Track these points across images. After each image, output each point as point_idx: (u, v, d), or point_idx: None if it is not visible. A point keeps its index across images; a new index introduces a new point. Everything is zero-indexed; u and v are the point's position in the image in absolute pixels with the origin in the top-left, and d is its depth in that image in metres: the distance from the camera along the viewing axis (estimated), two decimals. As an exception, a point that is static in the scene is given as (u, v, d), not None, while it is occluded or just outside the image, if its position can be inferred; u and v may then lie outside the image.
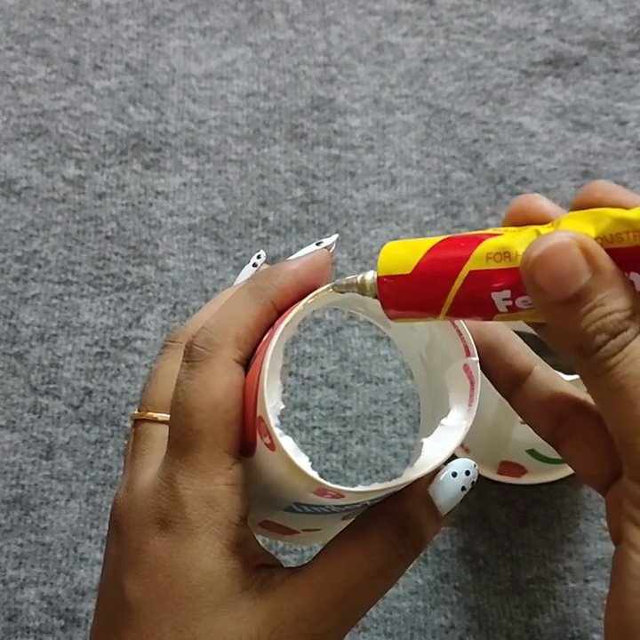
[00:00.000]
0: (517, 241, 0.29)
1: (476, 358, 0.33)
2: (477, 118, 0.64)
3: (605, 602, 0.53)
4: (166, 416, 0.34)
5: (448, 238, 0.31)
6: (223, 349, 0.33)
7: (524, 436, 0.50)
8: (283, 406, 0.32)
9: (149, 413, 0.36)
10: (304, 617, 0.32)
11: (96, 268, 0.60)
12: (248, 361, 0.34)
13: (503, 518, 0.54)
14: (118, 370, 0.57)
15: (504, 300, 0.29)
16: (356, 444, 0.55)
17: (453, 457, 0.33)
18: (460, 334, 0.34)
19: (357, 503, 0.33)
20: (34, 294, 0.59)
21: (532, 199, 0.31)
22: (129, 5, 0.69)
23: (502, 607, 0.52)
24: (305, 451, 0.56)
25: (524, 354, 0.35)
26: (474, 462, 0.34)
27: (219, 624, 0.32)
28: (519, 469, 0.54)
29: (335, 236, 0.36)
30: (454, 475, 0.34)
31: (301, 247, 0.37)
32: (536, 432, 0.35)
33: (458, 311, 0.30)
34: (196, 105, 0.65)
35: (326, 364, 0.57)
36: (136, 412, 0.37)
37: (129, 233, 0.61)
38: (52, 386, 0.57)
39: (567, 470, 0.54)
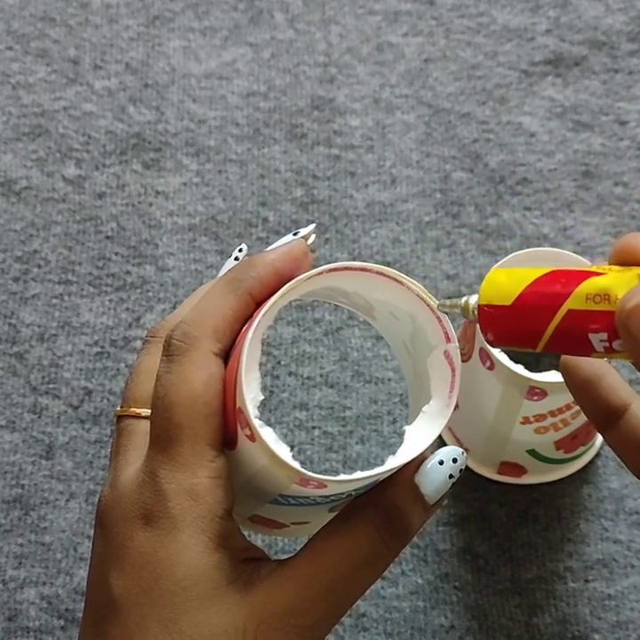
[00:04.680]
0: (618, 283, 0.29)
1: (456, 344, 0.34)
2: (477, 118, 0.64)
3: (606, 602, 0.53)
4: (149, 411, 0.34)
5: (551, 272, 0.31)
6: (201, 342, 0.33)
7: (523, 435, 0.50)
8: (262, 397, 0.32)
9: (132, 409, 0.36)
10: (291, 609, 0.32)
11: (96, 267, 0.60)
12: (228, 353, 0.34)
13: (503, 518, 0.54)
14: (118, 370, 0.57)
15: (601, 341, 0.30)
16: (356, 443, 0.55)
17: (443, 445, 0.33)
18: (440, 321, 0.34)
19: (342, 493, 0.33)
20: (34, 294, 0.59)
21: (638, 238, 0.31)
22: (129, 5, 0.69)
23: (502, 607, 0.52)
24: (304, 451, 0.57)
25: (621, 390, 0.36)
26: (462, 450, 0.34)
27: (204, 617, 0.32)
28: (519, 469, 0.54)
29: (312, 226, 0.36)
30: (441, 463, 0.34)
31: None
32: (628, 468, 0.35)
33: (555, 346, 0.31)
34: (196, 105, 0.65)
35: (326, 364, 0.57)
36: (119, 408, 0.37)
37: (129, 233, 0.61)
38: (52, 386, 0.57)
39: (567, 470, 0.54)
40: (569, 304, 0.30)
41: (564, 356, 0.36)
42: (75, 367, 0.57)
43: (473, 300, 0.32)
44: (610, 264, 0.31)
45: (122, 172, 0.63)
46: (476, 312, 0.32)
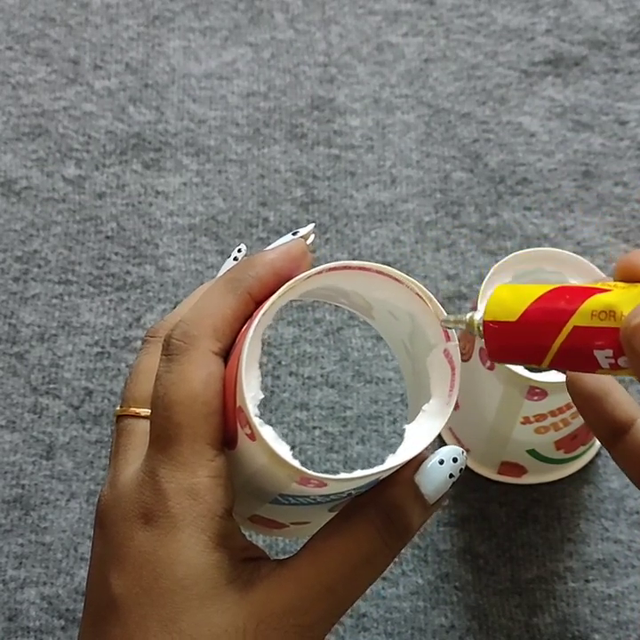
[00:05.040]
0: (623, 300, 0.29)
1: (456, 342, 0.34)
2: (477, 118, 0.64)
3: (606, 602, 0.53)
4: (149, 411, 0.34)
5: (556, 288, 0.31)
6: (201, 341, 0.33)
7: (524, 435, 0.50)
8: (262, 396, 0.32)
9: (132, 409, 0.36)
10: (291, 608, 0.32)
11: (96, 267, 0.60)
12: (228, 352, 0.34)
13: (503, 518, 0.54)
14: (118, 370, 0.57)
15: (606, 357, 0.30)
16: (357, 444, 0.55)
17: (443, 445, 0.33)
18: (439, 319, 0.34)
19: (342, 492, 0.33)
20: (34, 294, 0.59)
21: None
22: (129, 5, 0.69)
23: (502, 607, 0.52)
24: (305, 451, 0.57)
25: (626, 405, 0.36)
26: (462, 449, 0.34)
27: (204, 616, 0.32)
28: (519, 469, 0.54)
29: (311, 226, 0.36)
30: (441, 462, 0.34)
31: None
32: (634, 484, 0.35)
33: (560, 362, 0.31)
34: (196, 105, 0.65)
35: (327, 364, 0.57)
36: (118, 408, 0.37)
37: (129, 233, 0.61)
38: (52, 386, 0.57)
39: (567, 470, 0.54)
40: (574, 321, 0.30)
41: (569, 372, 0.36)
42: (75, 367, 0.57)
43: (478, 316, 0.32)
44: (615, 280, 0.31)
45: (122, 171, 0.63)
46: (480, 328, 0.32)
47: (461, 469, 0.34)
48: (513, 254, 0.48)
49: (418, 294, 0.34)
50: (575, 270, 0.48)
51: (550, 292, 0.31)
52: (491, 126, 0.64)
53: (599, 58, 0.66)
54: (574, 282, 0.48)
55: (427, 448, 0.33)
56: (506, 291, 0.32)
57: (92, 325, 0.59)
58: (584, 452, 0.54)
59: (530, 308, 0.31)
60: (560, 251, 0.48)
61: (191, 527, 0.32)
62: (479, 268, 0.60)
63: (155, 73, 0.66)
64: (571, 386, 0.37)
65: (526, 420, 0.49)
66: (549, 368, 0.31)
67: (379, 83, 0.66)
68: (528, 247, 0.58)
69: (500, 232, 0.61)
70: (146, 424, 0.35)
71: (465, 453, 0.34)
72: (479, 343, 0.48)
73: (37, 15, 0.68)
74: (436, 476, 0.33)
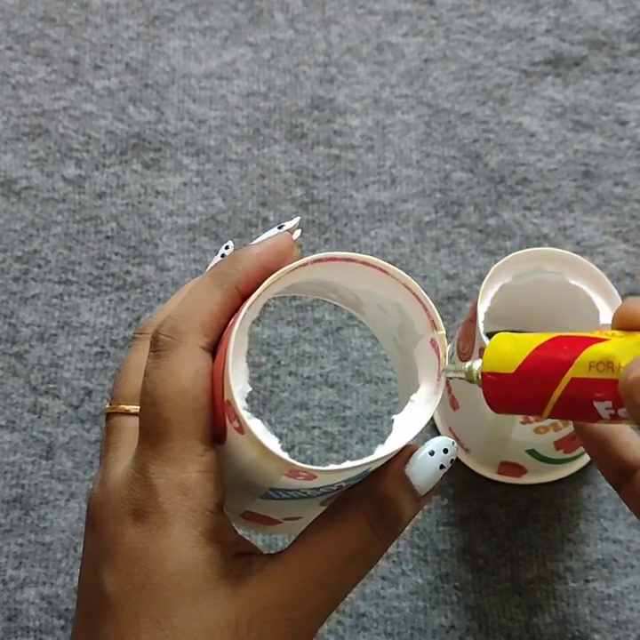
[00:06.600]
0: (620, 351, 0.29)
1: (443, 331, 0.34)
2: (477, 118, 0.64)
3: (605, 602, 0.53)
4: (138, 407, 0.35)
5: (554, 338, 0.31)
6: (189, 337, 0.33)
7: (523, 436, 0.50)
8: (250, 389, 0.32)
9: (121, 406, 0.36)
10: (282, 602, 0.32)
11: (96, 267, 0.60)
12: (216, 347, 0.34)
13: (503, 518, 0.54)
14: (118, 370, 0.57)
15: (606, 409, 0.30)
16: (356, 443, 0.55)
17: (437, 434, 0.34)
18: (426, 309, 0.34)
19: (332, 485, 0.33)
20: (34, 294, 0.59)
21: (639, 303, 0.31)
22: (129, 5, 0.69)
23: (502, 607, 0.52)
24: (305, 450, 0.57)
25: (634, 446, 0.36)
26: (452, 440, 0.34)
27: (196, 612, 0.32)
28: (519, 469, 0.54)
29: (297, 219, 0.36)
30: (431, 453, 0.34)
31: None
32: None
33: (561, 413, 0.31)
34: (196, 105, 0.65)
35: (326, 364, 0.57)
36: (107, 405, 0.37)
37: (129, 233, 0.61)
38: (51, 386, 0.57)
39: (567, 470, 0.54)
40: (572, 372, 0.30)
41: None
42: (75, 367, 0.57)
43: (477, 365, 0.33)
44: (612, 329, 0.31)
45: (122, 171, 0.63)
46: (479, 378, 0.32)
47: (452, 460, 0.34)
48: (513, 254, 0.48)
49: (405, 285, 0.34)
50: (575, 270, 0.48)
51: (548, 342, 0.31)
52: (491, 126, 0.64)
53: (599, 58, 0.66)
54: (574, 282, 0.48)
55: (416, 438, 0.33)
56: (503, 341, 0.32)
57: (91, 325, 0.59)
58: (584, 453, 0.54)
59: (527, 359, 0.31)
60: (560, 251, 0.48)
61: (182, 522, 0.32)
62: (479, 268, 0.60)
63: (155, 73, 0.66)
64: (578, 428, 0.37)
65: (526, 420, 0.49)
66: (550, 418, 0.31)
67: (379, 83, 0.66)
68: (528, 247, 0.58)
69: (500, 232, 0.61)
70: (135, 421, 0.35)
71: (455, 444, 0.34)
72: (479, 343, 0.48)
73: (37, 15, 0.68)
74: (427, 466, 0.34)
